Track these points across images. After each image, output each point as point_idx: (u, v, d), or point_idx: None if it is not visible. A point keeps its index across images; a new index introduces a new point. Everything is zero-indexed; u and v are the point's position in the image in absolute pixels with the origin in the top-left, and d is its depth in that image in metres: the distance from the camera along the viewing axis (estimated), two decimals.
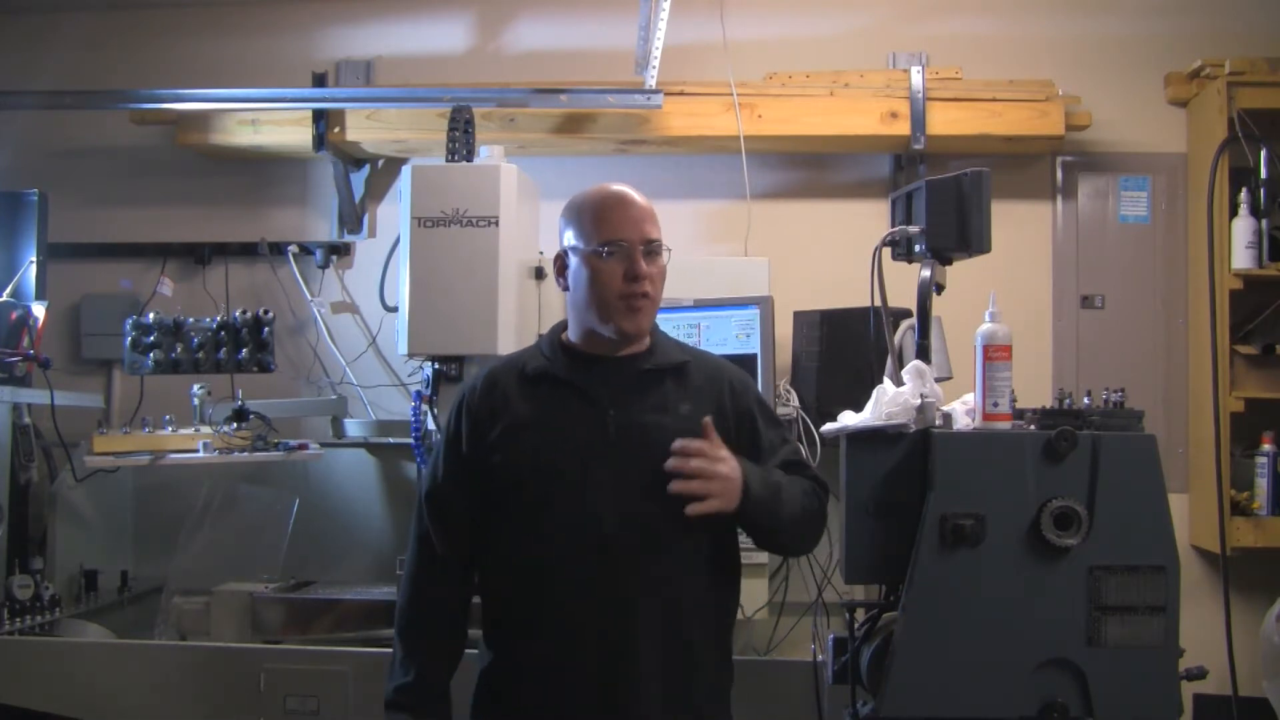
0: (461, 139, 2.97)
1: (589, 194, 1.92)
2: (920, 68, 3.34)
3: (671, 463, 1.79)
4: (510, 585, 1.88)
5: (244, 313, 3.17)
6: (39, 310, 3.14)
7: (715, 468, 1.80)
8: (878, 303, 2.13)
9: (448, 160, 2.96)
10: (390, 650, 1.95)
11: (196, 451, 2.96)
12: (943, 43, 3.50)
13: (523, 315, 2.96)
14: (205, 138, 3.50)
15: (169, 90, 3.39)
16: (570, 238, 1.92)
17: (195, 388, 3.06)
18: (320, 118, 3.41)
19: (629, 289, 1.85)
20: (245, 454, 3.00)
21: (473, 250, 2.81)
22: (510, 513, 1.87)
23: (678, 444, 1.80)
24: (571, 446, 1.85)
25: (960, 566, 1.86)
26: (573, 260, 1.91)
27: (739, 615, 2.04)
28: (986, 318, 1.99)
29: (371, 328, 3.62)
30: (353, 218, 3.64)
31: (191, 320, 3.15)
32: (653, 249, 1.88)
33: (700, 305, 2.92)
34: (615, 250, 1.86)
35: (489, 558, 1.91)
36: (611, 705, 1.81)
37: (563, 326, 1.99)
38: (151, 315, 3.15)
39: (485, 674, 1.91)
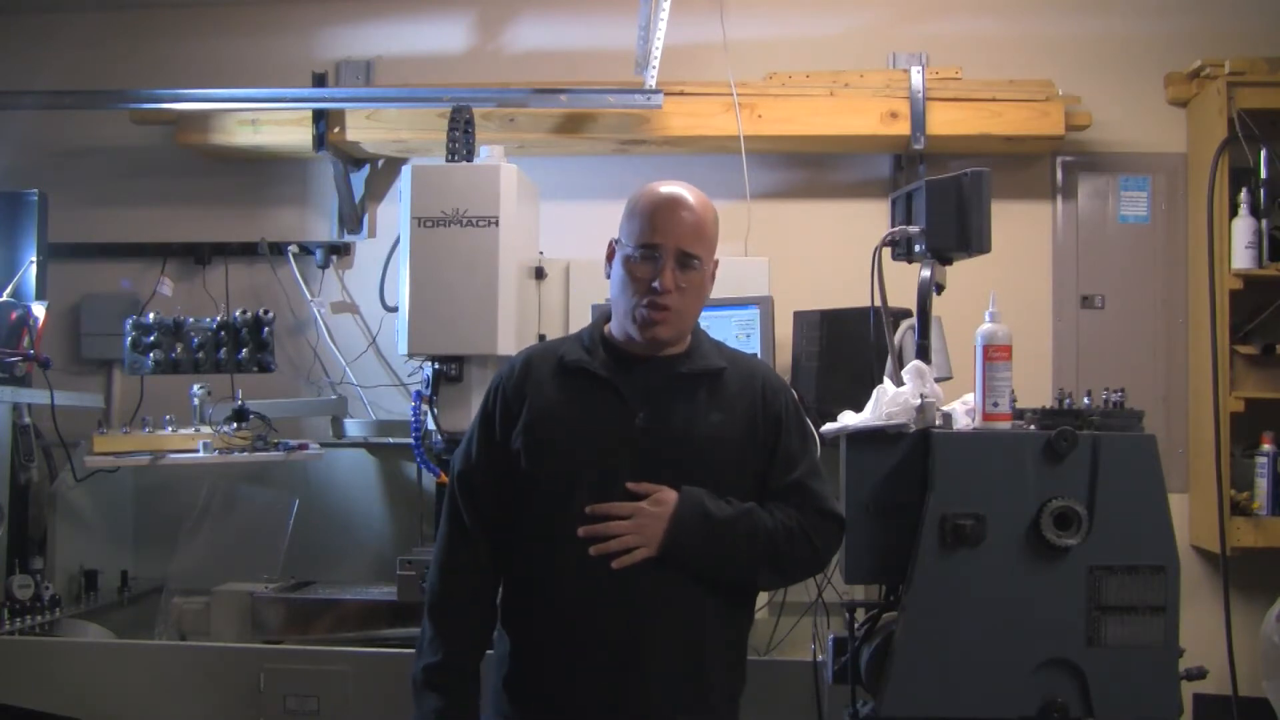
0: (461, 139, 2.97)
1: (646, 190, 1.89)
2: (920, 68, 3.34)
3: (583, 530, 1.80)
4: (528, 576, 1.88)
5: (244, 313, 3.17)
6: (39, 310, 3.14)
7: (635, 520, 1.79)
8: (878, 303, 2.13)
9: (448, 160, 2.95)
10: (390, 650, 1.93)
11: (196, 451, 2.97)
12: (943, 43, 3.50)
13: (523, 315, 2.95)
14: (205, 138, 3.50)
15: (169, 90, 3.39)
16: (621, 231, 1.91)
17: (195, 388, 3.06)
18: (320, 118, 3.41)
19: (650, 298, 1.83)
20: (245, 454, 3.00)
21: (473, 250, 2.81)
22: (531, 502, 1.87)
23: (590, 511, 1.80)
24: (595, 442, 1.84)
25: (960, 566, 1.86)
26: (617, 254, 1.90)
27: None
28: (986, 318, 1.99)
29: (371, 328, 3.62)
30: (353, 218, 3.64)
31: (191, 320, 3.15)
32: (688, 262, 1.85)
33: (701, 309, 2.91)
34: (649, 256, 1.84)
35: (513, 542, 1.90)
36: (622, 705, 1.80)
37: (606, 318, 1.97)
38: (151, 315, 3.15)
39: (501, 662, 1.90)
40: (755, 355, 2.80)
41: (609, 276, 1.93)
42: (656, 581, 1.81)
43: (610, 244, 1.94)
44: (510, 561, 1.91)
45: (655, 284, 1.83)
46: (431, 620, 1.90)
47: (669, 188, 1.89)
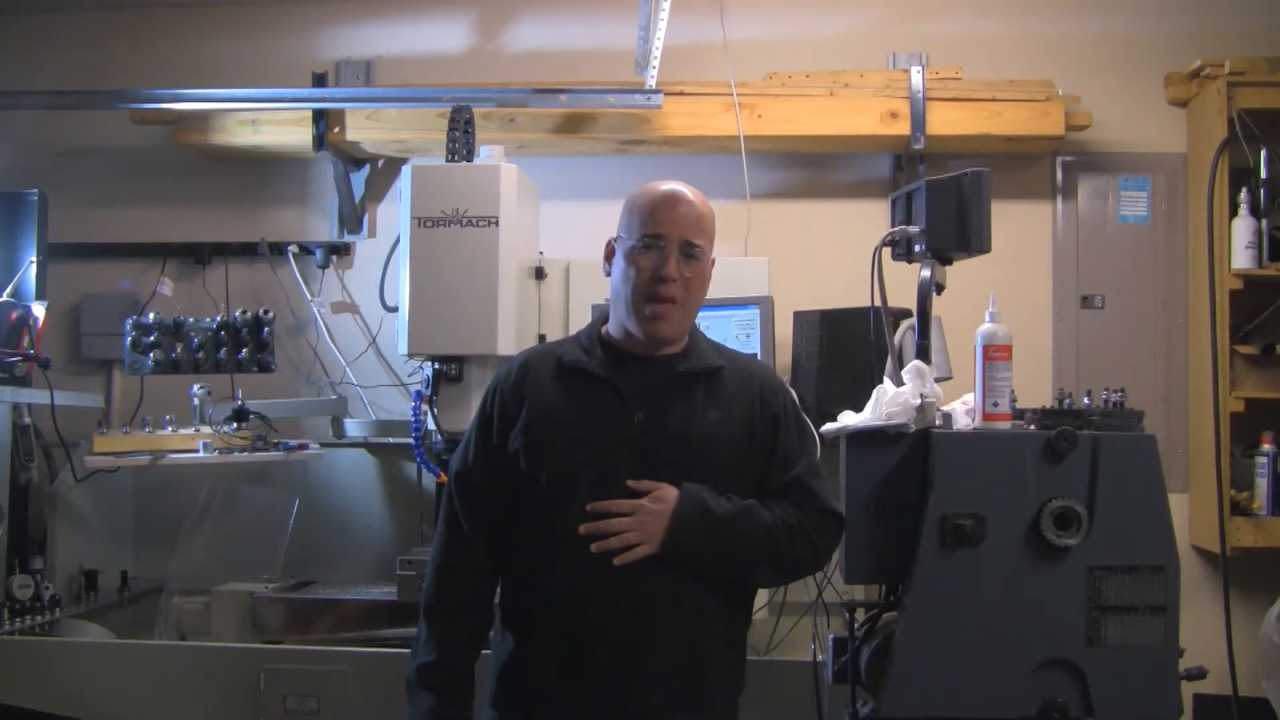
0: (461, 139, 2.97)
1: (645, 187, 1.92)
2: (920, 68, 3.34)
3: (585, 527, 1.80)
4: (527, 577, 1.88)
5: (244, 313, 3.17)
6: (39, 310, 3.14)
7: (636, 517, 1.80)
8: (878, 303, 2.13)
9: (448, 160, 2.95)
10: (390, 650, 1.94)
11: (196, 451, 2.97)
12: (943, 43, 3.50)
13: (523, 315, 2.95)
14: (205, 138, 3.50)
15: (169, 90, 3.39)
16: (620, 228, 1.93)
17: (195, 388, 3.06)
18: (320, 118, 3.41)
19: (656, 289, 1.84)
20: (245, 454, 3.00)
21: (473, 250, 2.81)
22: (531, 503, 1.87)
23: (590, 508, 1.80)
24: (594, 443, 1.85)
25: (960, 566, 1.86)
26: (617, 250, 1.92)
27: None
28: (986, 318, 1.99)
29: (371, 328, 3.62)
30: (353, 218, 3.64)
31: (191, 320, 3.15)
32: (691, 252, 1.87)
33: (701, 305, 2.91)
34: (652, 246, 1.86)
35: (511, 542, 1.91)
36: (622, 705, 1.80)
37: (604, 319, 1.98)
38: (151, 315, 3.15)
39: (500, 661, 1.91)
40: (753, 355, 2.80)
41: (608, 275, 1.94)
42: (657, 580, 1.81)
43: (609, 243, 1.95)
44: (510, 562, 1.91)
45: (660, 273, 1.84)
46: (427, 620, 1.91)
47: (667, 185, 1.92)
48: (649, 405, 1.86)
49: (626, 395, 1.87)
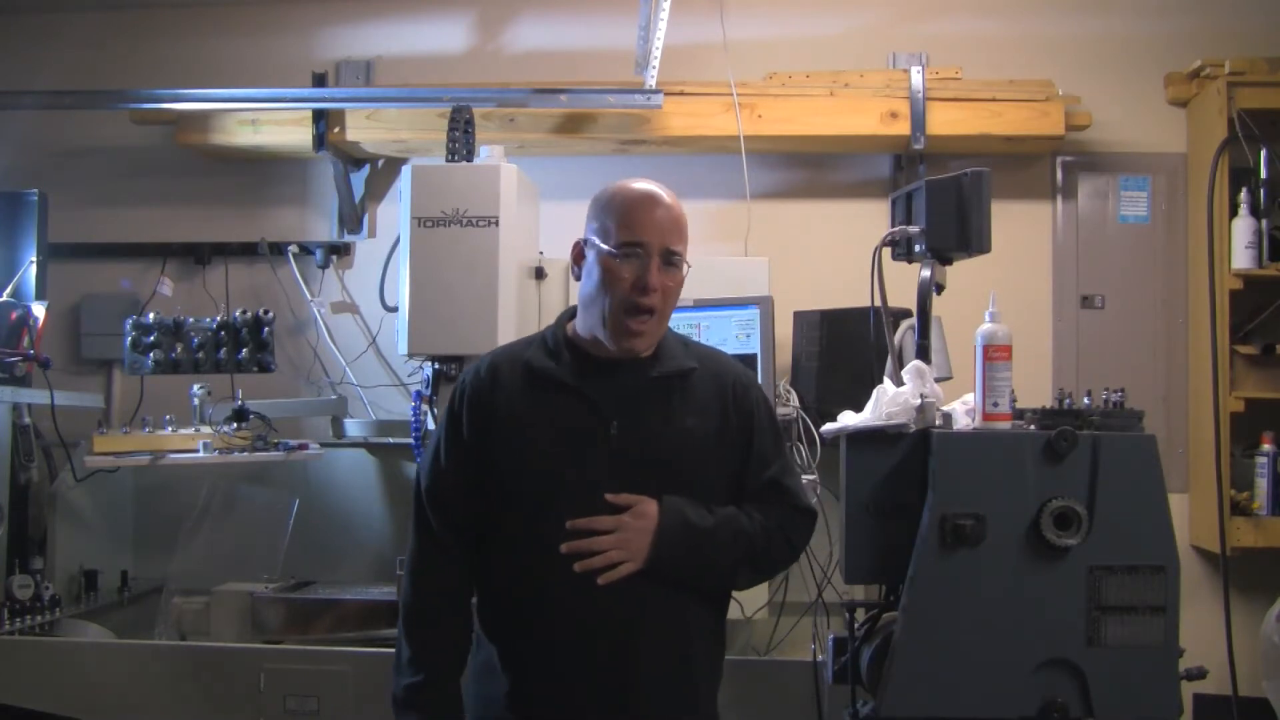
0: (461, 139, 2.97)
1: (618, 188, 1.83)
2: (920, 68, 3.34)
3: (566, 546, 1.77)
4: (510, 588, 1.85)
5: (244, 313, 3.18)
6: (39, 310, 3.14)
7: (619, 534, 1.77)
8: (878, 303, 2.13)
9: (448, 160, 2.96)
10: (391, 650, 1.92)
11: (196, 451, 2.97)
12: (943, 43, 3.50)
13: (523, 315, 2.95)
14: (205, 138, 3.50)
15: (169, 90, 3.39)
16: (591, 230, 1.83)
17: (195, 388, 3.06)
18: (320, 118, 3.41)
19: (636, 300, 1.78)
20: (245, 454, 3.00)
21: (473, 250, 2.81)
22: (508, 513, 1.84)
23: (571, 525, 1.77)
24: (570, 452, 1.81)
25: (960, 566, 1.86)
26: (589, 254, 1.83)
27: (739, 615, 2.03)
28: (986, 318, 1.99)
29: (371, 328, 3.62)
30: (353, 218, 3.64)
31: (191, 320, 3.15)
32: (671, 260, 1.81)
33: (700, 305, 2.92)
34: (631, 254, 1.78)
35: (488, 552, 1.88)
36: (621, 706, 1.79)
37: (569, 315, 1.92)
38: (151, 315, 3.16)
39: (482, 669, 1.88)
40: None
41: (578, 278, 1.87)
42: (642, 592, 1.79)
43: (577, 244, 1.87)
44: (489, 572, 1.88)
45: (642, 283, 1.78)
46: (409, 636, 1.86)
47: (642, 185, 1.84)
48: (623, 414, 1.81)
49: (600, 404, 1.82)
